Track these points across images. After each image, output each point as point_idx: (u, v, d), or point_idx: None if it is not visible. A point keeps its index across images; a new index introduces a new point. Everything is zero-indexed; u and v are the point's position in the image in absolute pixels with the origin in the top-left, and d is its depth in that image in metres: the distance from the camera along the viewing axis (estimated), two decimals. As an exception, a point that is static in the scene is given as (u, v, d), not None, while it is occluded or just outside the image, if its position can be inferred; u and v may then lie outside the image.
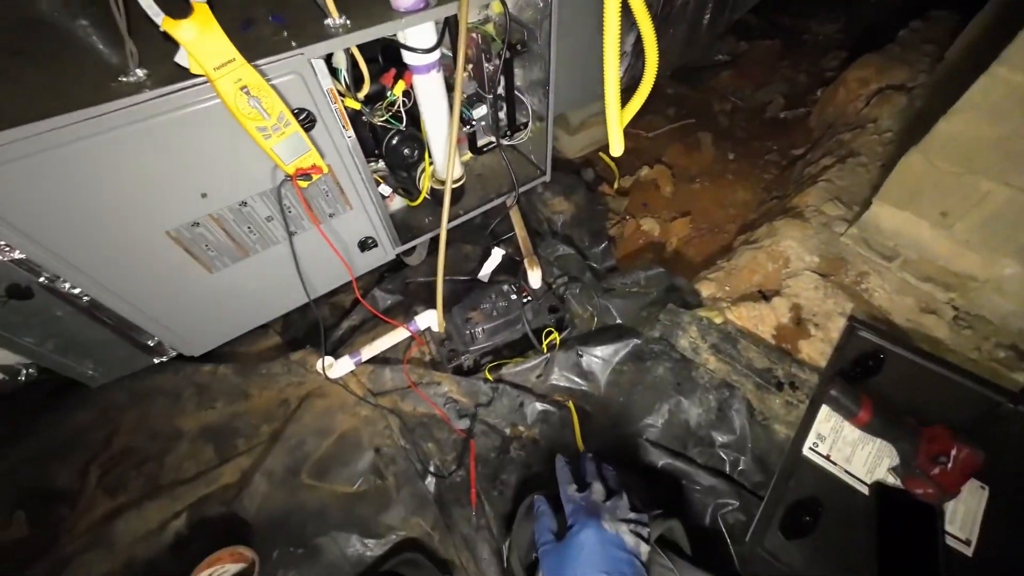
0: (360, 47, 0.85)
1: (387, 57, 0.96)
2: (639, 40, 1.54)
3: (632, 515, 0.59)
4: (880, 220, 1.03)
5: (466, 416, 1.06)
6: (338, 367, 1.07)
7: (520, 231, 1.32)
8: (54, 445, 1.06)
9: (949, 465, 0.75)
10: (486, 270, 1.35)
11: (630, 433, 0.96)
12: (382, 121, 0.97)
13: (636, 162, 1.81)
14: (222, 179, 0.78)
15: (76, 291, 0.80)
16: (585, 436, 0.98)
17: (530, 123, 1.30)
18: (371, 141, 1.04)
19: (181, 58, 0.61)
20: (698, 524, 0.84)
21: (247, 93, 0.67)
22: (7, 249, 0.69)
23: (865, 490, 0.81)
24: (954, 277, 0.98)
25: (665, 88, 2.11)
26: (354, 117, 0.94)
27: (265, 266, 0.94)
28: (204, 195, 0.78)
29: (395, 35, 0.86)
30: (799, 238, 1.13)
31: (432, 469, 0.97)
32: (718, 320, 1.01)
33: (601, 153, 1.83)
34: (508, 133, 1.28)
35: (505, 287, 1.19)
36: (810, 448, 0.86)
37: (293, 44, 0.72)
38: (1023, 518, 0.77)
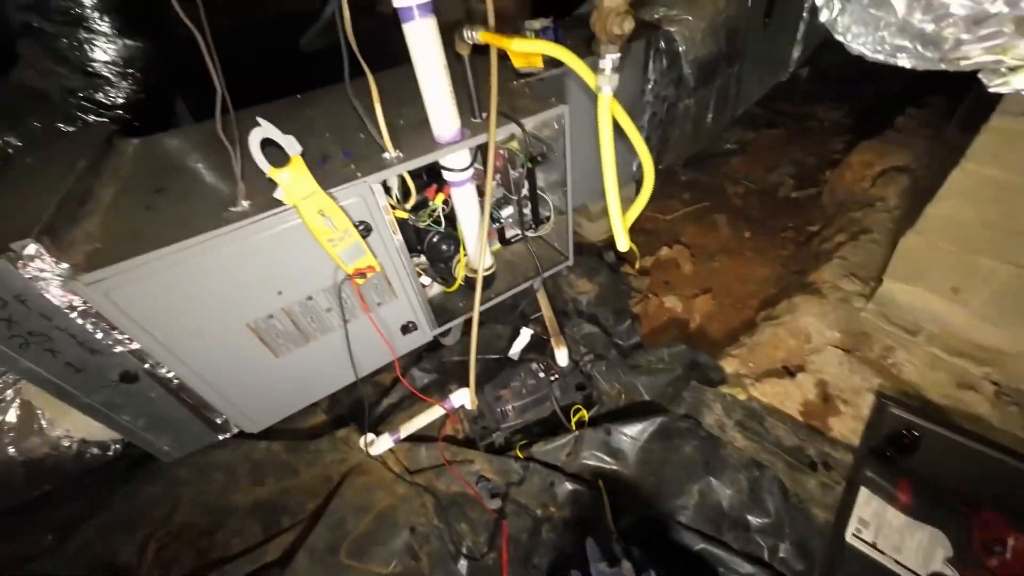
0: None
1: (430, 173, 1.16)
2: (647, 141, 1.75)
3: None
4: (895, 295, 1.06)
5: (498, 495, 1.08)
6: (379, 444, 1.14)
7: (547, 312, 1.42)
8: (122, 520, 1.16)
9: (1007, 555, 0.70)
10: (516, 348, 1.44)
11: (662, 514, 0.95)
12: (424, 225, 1.15)
13: (656, 243, 1.92)
14: (294, 279, 0.95)
15: (170, 375, 0.95)
16: (616, 517, 0.97)
17: (552, 216, 1.47)
18: (414, 239, 1.22)
19: (279, 194, 0.81)
20: (740, 618, 0.80)
21: (322, 215, 0.85)
22: (128, 341, 0.86)
23: (921, 584, 0.76)
24: (984, 351, 0.98)
25: (679, 175, 2.30)
26: (401, 222, 1.13)
27: (321, 350, 1.08)
28: (280, 292, 0.95)
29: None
30: (818, 313, 1.17)
31: (465, 551, 0.99)
32: (742, 396, 1.03)
33: (622, 236, 1.97)
34: (533, 226, 1.45)
35: (534, 365, 1.27)
36: (853, 535, 0.82)
37: (359, 174, 0.92)
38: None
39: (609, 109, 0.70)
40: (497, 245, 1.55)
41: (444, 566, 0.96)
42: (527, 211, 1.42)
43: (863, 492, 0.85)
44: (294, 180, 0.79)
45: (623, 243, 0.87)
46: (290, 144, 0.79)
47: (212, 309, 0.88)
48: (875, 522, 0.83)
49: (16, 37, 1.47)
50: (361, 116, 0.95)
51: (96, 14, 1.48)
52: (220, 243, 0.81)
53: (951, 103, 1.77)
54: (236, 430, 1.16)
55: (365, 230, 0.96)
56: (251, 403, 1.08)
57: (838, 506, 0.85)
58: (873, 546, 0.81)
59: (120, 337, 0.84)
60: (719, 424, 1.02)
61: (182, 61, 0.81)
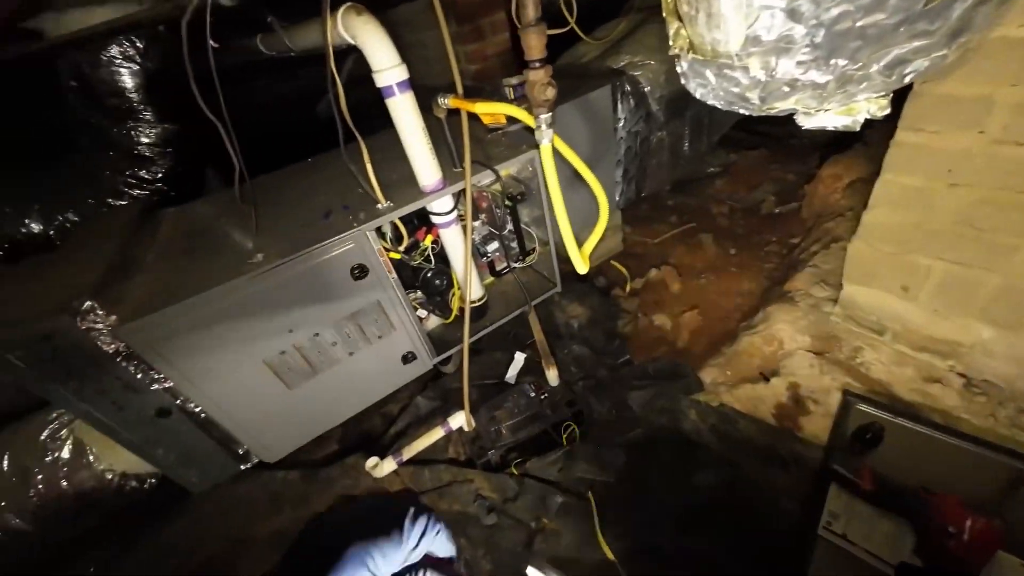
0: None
1: (421, 219, 1.31)
2: (626, 172, 1.89)
3: None
4: (855, 297, 1.12)
5: (494, 511, 1.15)
6: (383, 467, 1.23)
7: (538, 335, 1.52)
8: (152, 554, 1.26)
9: (965, 536, 0.73)
10: (511, 373, 1.53)
11: (648, 518, 0.99)
12: (416, 264, 1.28)
13: (645, 266, 2.02)
14: (302, 318, 1.08)
15: (198, 409, 1.08)
16: (606, 523, 1.02)
17: (537, 248, 1.60)
18: (411, 277, 1.36)
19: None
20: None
21: (324, 261, 0.98)
22: (163, 380, 1.00)
23: (891, 572, 0.79)
24: (944, 344, 1.02)
25: (666, 200, 2.41)
26: (398, 263, 1.27)
27: (329, 382, 1.20)
28: (291, 330, 1.08)
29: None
30: (790, 320, 1.23)
31: (463, 569, 1.05)
32: (715, 403, 1.09)
33: (613, 262, 2.08)
34: (521, 258, 1.57)
35: (526, 387, 1.35)
36: (824, 527, 0.85)
37: (354, 224, 1.07)
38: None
39: (551, 155, 0.83)
40: (489, 278, 1.67)
41: (444, 578, 1.02)
42: (514, 245, 1.56)
43: (832, 487, 0.89)
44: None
45: (581, 267, 0.98)
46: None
47: (234, 348, 1.02)
48: (845, 514, 0.86)
49: (77, 132, 1.75)
50: (356, 175, 1.11)
51: (142, 106, 1.74)
52: (237, 288, 0.96)
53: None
54: (256, 460, 1.28)
55: (362, 272, 1.10)
56: (268, 433, 1.19)
57: (808, 500, 0.89)
58: (843, 537, 0.84)
59: (156, 376, 0.98)
60: (695, 429, 1.08)
61: (211, 138, 1.02)
